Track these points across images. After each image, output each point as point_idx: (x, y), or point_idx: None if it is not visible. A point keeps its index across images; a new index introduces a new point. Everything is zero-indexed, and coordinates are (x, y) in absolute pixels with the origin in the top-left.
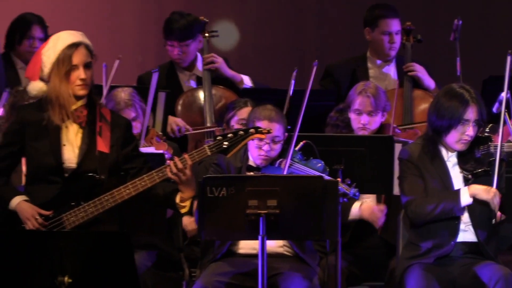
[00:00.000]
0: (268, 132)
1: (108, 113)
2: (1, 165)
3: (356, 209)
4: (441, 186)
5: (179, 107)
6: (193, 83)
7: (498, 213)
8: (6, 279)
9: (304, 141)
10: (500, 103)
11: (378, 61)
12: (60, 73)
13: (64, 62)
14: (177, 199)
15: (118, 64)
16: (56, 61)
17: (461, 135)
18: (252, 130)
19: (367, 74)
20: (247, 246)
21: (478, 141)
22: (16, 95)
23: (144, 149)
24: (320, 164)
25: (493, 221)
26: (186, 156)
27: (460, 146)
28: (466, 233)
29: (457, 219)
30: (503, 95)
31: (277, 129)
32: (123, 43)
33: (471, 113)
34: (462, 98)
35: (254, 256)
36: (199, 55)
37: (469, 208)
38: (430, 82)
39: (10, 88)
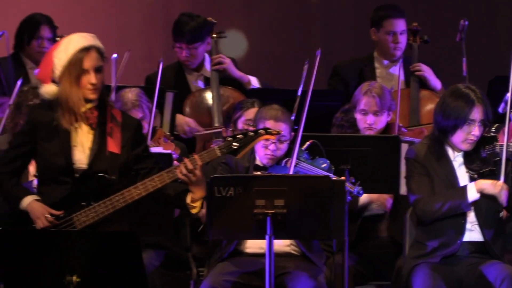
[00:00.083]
0: (278, 133)
1: (119, 114)
2: (13, 166)
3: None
4: (447, 186)
5: (187, 108)
6: (201, 84)
7: (504, 212)
8: (16, 278)
9: (310, 141)
10: (506, 103)
11: (385, 62)
12: (71, 77)
13: (75, 66)
14: (188, 199)
15: (128, 56)
16: (67, 65)
17: (467, 135)
18: (261, 131)
19: (374, 74)
20: (254, 246)
21: (484, 141)
22: (21, 95)
23: (151, 149)
24: (325, 164)
25: (501, 214)
26: (196, 156)
27: (466, 146)
28: (473, 233)
29: (464, 219)
30: (509, 95)
31: (283, 129)
32: (130, 42)
33: (476, 113)
34: (468, 98)
35: (261, 255)
36: (207, 55)
37: (476, 207)
38: (436, 83)
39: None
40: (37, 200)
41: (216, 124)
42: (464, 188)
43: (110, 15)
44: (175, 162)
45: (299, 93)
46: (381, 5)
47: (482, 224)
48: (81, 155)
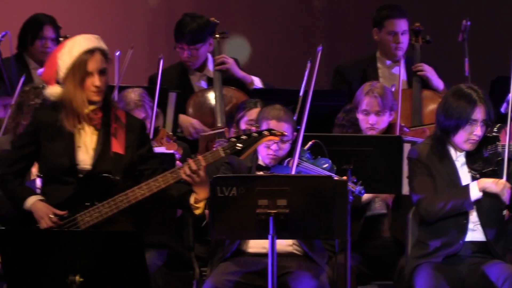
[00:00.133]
0: (282, 134)
1: (123, 114)
2: (17, 167)
3: None
4: (450, 186)
5: (190, 108)
6: (204, 84)
7: (506, 211)
8: (18, 278)
9: (313, 140)
10: (508, 103)
11: (388, 62)
12: (75, 79)
13: (79, 69)
14: (191, 200)
15: (131, 54)
16: (71, 67)
17: (469, 135)
18: (265, 132)
19: (377, 74)
20: (257, 245)
21: (486, 141)
22: (23, 95)
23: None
24: (327, 164)
25: (504, 212)
26: (200, 157)
27: (468, 146)
28: (475, 233)
29: (466, 219)
30: (511, 95)
31: (285, 129)
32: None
33: (479, 113)
34: (470, 98)
35: (264, 255)
36: (210, 56)
37: (478, 207)
38: (438, 83)
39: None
40: (41, 200)
41: (219, 124)
42: (466, 187)
43: (113, 15)
44: (178, 162)
45: (300, 94)
46: (383, 6)
47: (484, 224)
48: (85, 156)
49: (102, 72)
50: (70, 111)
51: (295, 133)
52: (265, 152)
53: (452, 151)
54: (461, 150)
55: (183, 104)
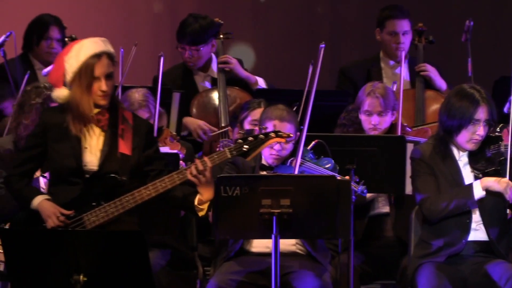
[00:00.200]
0: (288, 136)
1: (130, 116)
2: (24, 168)
3: None
4: (453, 185)
5: (194, 108)
6: (208, 84)
7: (510, 211)
8: (22, 277)
9: (316, 140)
10: (511, 103)
11: (391, 62)
12: (81, 84)
13: (86, 74)
14: (196, 201)
15: (135, 50)
16: (78, 71)
17: (472, 134)
18: (272, 134)
19: (381, 74)
20: (260, 245)
21: (489, 141)
22: (24, 95)
23: None
24: (330, 164)
25: (508, 211)
26: (206, 158)
27: (471, 146)
28: (478, 232)
29: (469, 218)
30: None
31: (288, 129)
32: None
33: (481, 113)
34: (473, 98)
35: (267, 254)
36: (214, 56)
37: (481, 207)
38: (441, 83)
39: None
40: (47, 199)
41: (223, 124)
42: (470, 186)
43: (117, 16)
44: (181, 162)
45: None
46: (385, 6)
47: (487, 223)
48: (92, 157)
49: (108, 77)
50: (77, 115)
51: (298, 133)
52: (268, 152)
53: (455, 151)
54: (464, 150)
55: (187, 104)
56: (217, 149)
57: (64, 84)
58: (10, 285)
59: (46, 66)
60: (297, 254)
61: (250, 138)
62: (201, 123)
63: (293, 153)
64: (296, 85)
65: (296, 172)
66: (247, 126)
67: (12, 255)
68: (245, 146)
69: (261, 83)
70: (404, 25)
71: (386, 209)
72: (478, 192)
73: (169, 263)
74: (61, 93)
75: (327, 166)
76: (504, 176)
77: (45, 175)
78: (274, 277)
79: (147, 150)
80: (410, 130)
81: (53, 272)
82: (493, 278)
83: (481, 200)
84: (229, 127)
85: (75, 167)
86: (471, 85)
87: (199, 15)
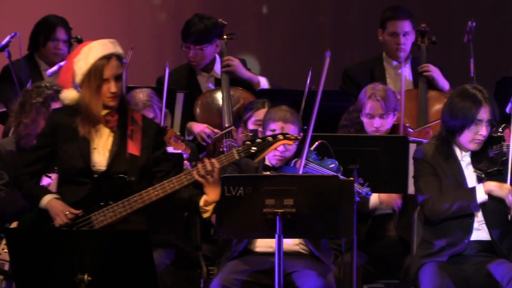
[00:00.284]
0: (296, 138)
1: (139, 117)
2: (34, 168)
3: (374, 197)
4: (455, 185)
5: (198, 108)
6: (211, 85)
7: (510, 216)
8: (27, 277)
9: (319, 141)
10: None
11: (394, 62)
12: (91, 86)
13: (95, 76)
14: (201, 202)
15: (131, 54)
16: (87, 73)
17: (474, 135)
18: (280, 136)
19: (384, 75)
20: (263, 244)
21: (491, 141)
22: (25, 94)
23: None
24: (333, 165)
25: (509, 217)
26: (214, 160)
27: (473, 146)
28: (480, 232)
29: (471, 218)
30: None
31: (292, 130)
32: (141, 43)
33: (484, 113)
34: (475, 98)
35: (271, 254)
36: (217, 57)
37: (483, 206)
38: (444, 83)
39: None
40: (56, 198)
41: (227, 125)
42: (473, 189)
43: (121, 16)
44: (186, 162)
45: (305, 95)
46: (388, 7)
47: (490, 223)
48: (101, 158)
49: (118, 78)
50: (86, 116)
51: (301, 134)
52: (272, 153)
53: (457, 151)
54: (466, 150)
55: (191, 105)
56: (221, 149)
57: (73, 86)
58: (15, 285)
59: (52, 67)
60: (301, 254)
61: (258, 140)
62: (204, 126)
63: (297, 154)
64: (298, 86)
65: (300, 173)
66: (251, 126)
67: (17, 255)
68: (253, 148)
69: (264, 83)
70: (405, 26)
71: (389, 209)
72: (481, 196)
73: (173, 263)
74: (69, 94)
75: (331, 166)
76: (506, 175)
77: (49, 174)
78: (277, 276)
79: (155, 151)
80: (412, 131)
81: (58, 272)
82: (495, 277)
83: (484, 202)
84: (233, 127)
85: (84, 167)
86: (474, 86)
87: (204, 15)
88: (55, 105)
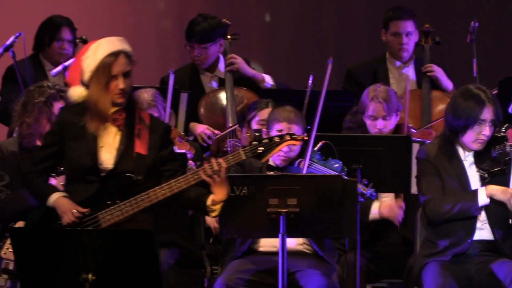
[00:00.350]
0: (303, 139)
1: (147, 116)
2: (42, 166)
3: (375, 210)
4: (458, 185)
5: (202, 108)
6: (214, 84)
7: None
8: (32, 276)
9: (323, 141)
10: None
11: (397, 62)
12: (99, 83)
13: (103, 72)
14: (209, 201)
15: None
16: (95, 70)
17: (478, 135)
18: (287, 137)
19: (387, 75)
20: (267, 244)
21: (494, 141)
22: (28, 94)
23: None
24: (337, 165)
25: (510, 221)
26: (221, 159)
27: (476, 146)
28: (483, 231)
29: (474, 218)
30: None
31: (296, 131)
32: (145, 43)
33: (487, 113)
34: (479, 98)
35: (275, 253)
36: (221, 56)
37: (486, 206)
38: (448, 83)
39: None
40: (64, 196)
41: (230, 125)
42: (474, 192)
43: (125, 15)
44: (190, 162)
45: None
46: (391, 7)
47: (492, 223)
48: (108, 156)
49: (126, 75)
50: (94, 113)
51: (305, 134)
52: (276, 153)
53: (460, 151)
54: (469, 150)
55: (195, 105)
56: (225, 149)
57: (82, 83)
58: (20, 284)
59: (57, 67)
60: (304, 254)
61: (265, 140)
62: (204, 127)
63: (301, 155)
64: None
65: (304, 173)
66: (254, 126)
67: (22, 254)
68: (259, 148)
69: (268, 80)
70: (407, 26)
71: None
72: (483, 199)
73: (177, 262)
74: (76, 90)
75: (335, 166)
76: (509, 175)
77: (53, 174)
78: (281, 276)
79: (162, 151)
80: (415, 131)
81: (62, 271)
82: (498, 277)
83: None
84: (237, 126)
85: (91, 166)
86: (477, 86)
87: (208, 14)
88: (58, 105)
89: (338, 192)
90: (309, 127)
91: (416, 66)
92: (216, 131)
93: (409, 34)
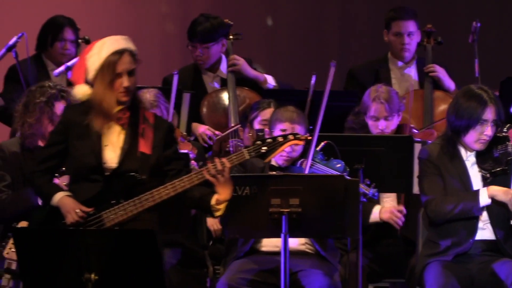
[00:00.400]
0: (306, 138)
1: (151, 116)
2: (46, 165)
3: (376, 213)
4: (460, 185)
5: (204, 109)
6: (216, 85)
7: None
8: (34, 276)
9: (325, 142)
10: None
11: (400, 63)
12: (104, 81)
13: (108, 70)
14: (213, 201)
15: None
16: (100, 68)
17: (480, 135)
18: (290, 136)
19: (389, 75)
20: (269, 244)
21: (496, 141)
22: (29, 94)
23: None
24: (340, 165)
25: (511, 221)
26: (224, 159)
27: (478, 146)
28: (485, 231)
29: (476, 218)
30: None
31: (298, 131)
32: (148, 43)
33: (489, 113)
34: (481, 98)
35: (277, 253)
36: (223, 57)
37: (488, 206)
38: (450, 84)
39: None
40: (68, 196)
41: (232, 125)
42: (476, 193)
43: (128, 16)
44: (193, 162)
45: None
46: (392, 8)
47: (494, 223)
48: (112, 155)
49: (130, 73)
50: (99, 112)
51: (308, 134)
52: (279, 153)
53: (462, 151)
54: (471, 150)
55: (197, 105)
56: (227, 149)
57: (86, 82)
58: (22, 284)
59: (59, 67)
60: (307, 253)
61: (269, 140)
62: (205, 128)
63: (303, 155)
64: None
65: (306, 173)
66: (257, 126)
67: (24, 254)
68: (263, 148)
69: (270, 81)
70: (409, 26)
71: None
72: (484, 199)
73: (179, 262)
74: (81, 88)
75: (337, 166)
76: (510, 175)
77: (55, 174)
78: (283, 276)
79: (166, 150)
80: (417, 131)
81: (65, 271)
82: (500, 277)
83: (487, 206)
84: (240, 126)
85: (95, 165)
86: (479, 86)
87: (210, 14)
88: (59, 105)
89: (340, 192)
90: (311, 127)
91: (418, 66)
92: (216, 132)
93: (411, 34)
